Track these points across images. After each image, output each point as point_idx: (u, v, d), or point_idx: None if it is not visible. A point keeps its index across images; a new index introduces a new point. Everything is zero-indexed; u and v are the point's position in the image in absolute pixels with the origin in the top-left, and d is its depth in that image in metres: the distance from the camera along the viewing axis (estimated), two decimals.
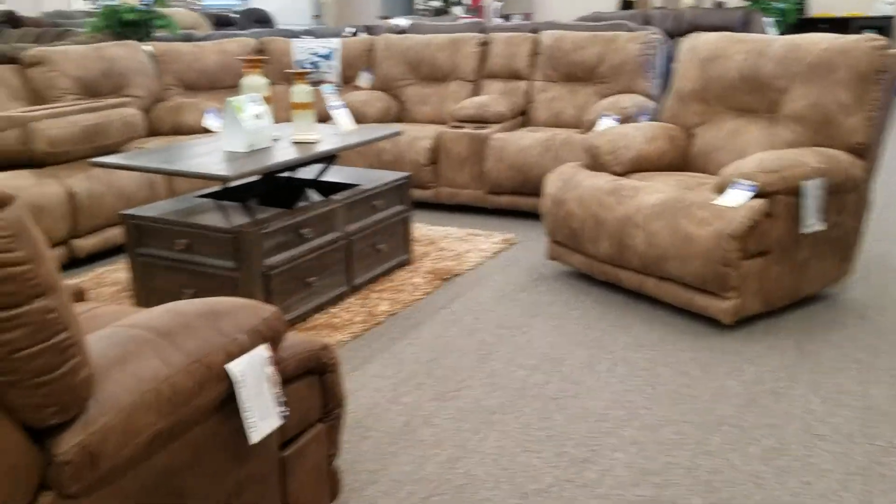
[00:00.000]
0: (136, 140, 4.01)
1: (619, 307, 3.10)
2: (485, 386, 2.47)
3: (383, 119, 4.88)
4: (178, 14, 10.23)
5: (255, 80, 3.08)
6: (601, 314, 3.03)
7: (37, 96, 4.01)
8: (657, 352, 2.70)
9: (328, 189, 3.38)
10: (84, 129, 3.47)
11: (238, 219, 2.69)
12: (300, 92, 3.11)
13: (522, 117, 4.84)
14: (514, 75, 4.86)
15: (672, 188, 2.98)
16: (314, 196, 3.24)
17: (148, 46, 4.72)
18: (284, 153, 2.84)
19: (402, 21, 6.22)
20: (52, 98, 4.01)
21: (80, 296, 1.95)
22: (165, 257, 2.73)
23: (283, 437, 1.59)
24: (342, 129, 3.35)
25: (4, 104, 3.85)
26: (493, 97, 4.62)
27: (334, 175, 3.47)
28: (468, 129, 4.43)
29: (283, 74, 5.31)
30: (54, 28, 6.08)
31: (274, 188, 3.38)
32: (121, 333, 1.31)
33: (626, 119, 4.16)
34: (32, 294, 1.03)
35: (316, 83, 5.30)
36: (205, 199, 2.98)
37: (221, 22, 10.79)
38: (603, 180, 3.17)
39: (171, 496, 1.31)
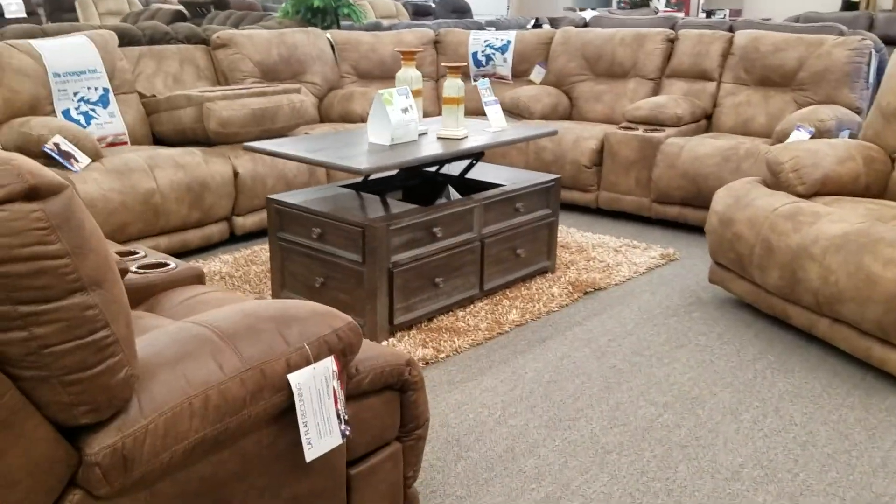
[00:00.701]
0: (304, 126, 4.14)
1: (781, 347, 2.72)
2: (605, 419, 2.25)
3: (550, 116, 4.69)
4: (379, 3, 10.61)
5: (408, 73, 3.04)
6: (759, 353, 2.68)
7: (221, 77, 4.27)
8: (818, 406, 2.32)
9: (471, 187, 3.27)
10: (253, 112, 3.62)
11: (371, 212, 2.66)
12: (451, 86, 3.02)
13: (706, 122, 4.44)
14: (701, 76, 4.47)
15: (860, 218, 2.56)
16: (454, 194, 3.15)
17: (329, 34, 4.87)
18: (427, 149, 2.77)
19: (587, 14, 5.96)
20: (235, 80, 4.24)
21: (198, 279, 2.00)
22: (301, 244, 2.76)
23: (353, 455, 1.51)
24: (493, 126, 3.22)
25: (191, 83, 4.13)
26: (673, 98, 4.27)
27: (481, 173, 3.36)
28: (640, 132, 4.13)
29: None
30: (257, 12, 6.49)
31: (419, 183, 3.33)
32: (185, 331, 1.28)
33: (822, 133, 3.66)
34: (69, 289, 1.01)
35: (487, 76, 5.21)
36: (347, 190, 2.99)
37: (420, 12, 11.05)
38: (781, 201, 2.79)
39: None
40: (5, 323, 0.97)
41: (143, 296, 1.88)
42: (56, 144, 3.04)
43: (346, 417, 1.39)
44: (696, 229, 4.14)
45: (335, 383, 1.36)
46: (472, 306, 2.98)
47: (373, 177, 3.18)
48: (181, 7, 7.19)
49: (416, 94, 3.06)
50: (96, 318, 1.04)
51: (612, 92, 4.73)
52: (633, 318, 2.97)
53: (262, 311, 1.36)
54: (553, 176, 3.28)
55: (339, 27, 5.56)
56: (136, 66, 3.94)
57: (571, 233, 3.98)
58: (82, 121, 3.50)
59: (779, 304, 2.79)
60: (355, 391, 1.48)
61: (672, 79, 4.60)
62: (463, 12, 11.03)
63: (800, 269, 2.61)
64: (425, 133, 3.12)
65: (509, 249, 3.11)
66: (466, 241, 2.89)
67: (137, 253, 2.08)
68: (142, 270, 1.92)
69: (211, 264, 3.35)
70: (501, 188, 3.08)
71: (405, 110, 2.89)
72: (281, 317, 1.35)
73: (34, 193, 0.98)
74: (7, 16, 9.40)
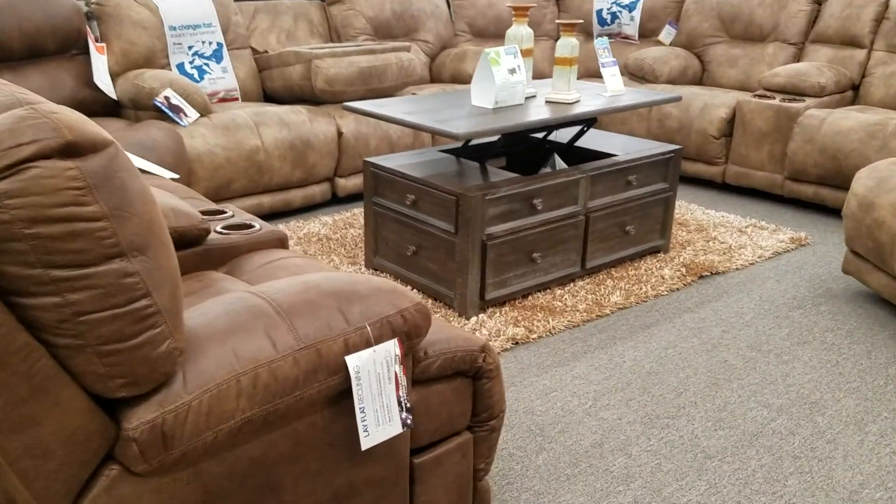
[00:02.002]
0: (412, 86, 4.04)
1: None
2: (708, 420, 2.04)
3: (678, 80, 4.36)
4: None
5: (519, 31, 2.85)
6: (894, 356, 2.36)
7: (334, 34, 4.22)
8: None
9: (580, 156, 3.06)
10: (360, 70, 3.55)
11: (467, 180, 2.52)
12: (564, 45, 2.81)
13: (852, 93, 3.98)
14: (851, 42, 4.00)
15: None
16: (560, 163, 2.95)
17: None
18: (532, 113, 2.59)
19: None
20: (347, 36, 4.18)
21: (281, 243, 1.94)
22: (395, 210, 2.67)
23: (417, 443, 1.40)
24: (608, 90, 2.99)
25: (304, 39, 4.10)
26: (816, 65, 3.84)
27: (593, 141, 3.14)
28: (776, 101, 3.75)
29: (578, 26, 4.99)
30: None
31: (524, 149, 3.16)
32: (241, 302, 1.20)
33: None
34: (106, 255, 0.94)
35: (612, 35, 4.91)
36: (447, 155, 2.86)
37: None
38: None
39: (264, 489, 1.19)
40: (37, 287, 0.91)
41: (224, 257, 1.85)
42: (166, 98, 3.08)
43: (408, 405, 1.28)
44: (833, 212, 3.74)
45: (397, 368, 1.26)
46: (571, 285, 2.80)
47: (475, 141, 3.03)
48: None
49: (526, 53, 2.87)
50: (136, 287, 0.97)
51: (747, 56, 4.33)
52: (753, 307, 2.70)
53: (326, 285, 1.26)
54: (673, 147, 3.01)
55: None
56: (251, 21, 3.95)
57: (692, 209, 3.69)
58: (195, 75, 3.54)
59: None
60: (422, 376, 1.37)
61: (816, 44, 4.15)
62: None
63: None
64: (533, 96, 2.94)
65: (617, 226, 2.89)
66: (569, 214, 2.70)
67: (226, 213, 2.04)
68: (226, 231, 1.88)
69: (310, 225, 3.33)
70: (613, 158, 2.86)
71: (512, 71, 2.71)
72: (343, 293, 1.25)
73: (72, 150, 0.91)
74: None
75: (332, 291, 1.25)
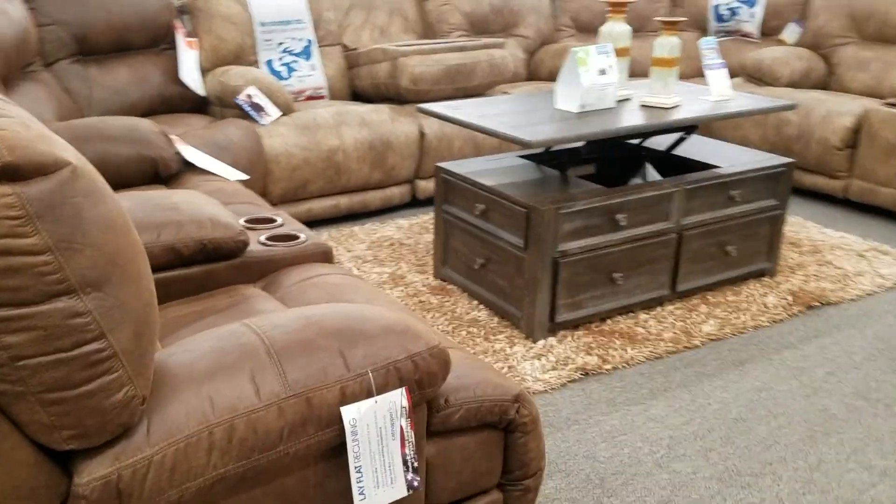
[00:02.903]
0: (505, 84, 3.85)
1: None
2: (798, 480, 1.76)
3: (799, 83, 3.94)
4: None
5: (614, 27, 2.61)
6: None
7: (429, 30, 4.09)
8: None
9: (677, 166, 2.78)
10: (447, 68, 3.39)
11: (541, 191, 2.32)
12: (663, 45, 2.55)
13: None
14: None
15: None
16: (653, 173, 2.69)
17: None
18: (622, 119, 2.36)
19: None
20: (442, 32, 4.04)
21: (325, 257, 1.82)
22: (464, 219, 2.50)
23: (434, 503, 1.24)
24: (713, 95, 2.69)
25: (397, 35, 3.99)
26: None
27: (695, 149, 2.85)
28: None
29: (693, 22, 4.63)
30: None
31: (614, 157, 2.91)
32: (232, 338, 1.08)
33: None
34: (49, 292, 0.83)
35: (731, 33, 4.52)
36: (526, 161, 2.66)
37: None
38: None
39: None
40: None
41: (264, 269, 1.75)
42: (249, 96, 3.05)
43: (415, 465, 1.11)
44: None
45: (403, 422, 1.09)
46: (658, 309, 2.54)
47: (559, 146, 2.81)
48: None
49: (621, 52, 2.63)
50: (86, 328, 0.86)
51: (880, 60, 3.85)
52: (865, 347, 2.35)
53: (329, 321, 1.12)
54: (785, 160, 2.68)
55: None
56: (345, 17, 3.88)
57: (807, 227, 3.31)
58: (284, 72, 3.50)
59: None
60: (442, 427, 1.21)
61: None
62: None
63: None
64: (628, 99, 2.69)
65: (716, 245, 2.60)
66: (659, 231, 2.45)
67: (275, 221, 1.95)
68: (269, 242, 1.78)
69: (385, 229, 3.22)
70: (714, 171, 2.57)
71: (602, 72, 2.48)
72: (348, 332, 1.10)
73: (10, 173, 0.80)
74: None
75: (334, 330, 1.10)
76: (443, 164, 2.57)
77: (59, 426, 0.88)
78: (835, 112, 3.53)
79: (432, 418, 1.20)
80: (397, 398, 1.09)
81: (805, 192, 3.85)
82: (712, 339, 2.40)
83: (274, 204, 3.10)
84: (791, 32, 4.27)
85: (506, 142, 3.47)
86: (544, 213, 2.17)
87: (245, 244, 1.70)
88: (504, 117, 2.38)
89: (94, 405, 0.89)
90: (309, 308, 1.17)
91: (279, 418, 1.01)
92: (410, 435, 1.11)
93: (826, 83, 4.08)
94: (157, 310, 1.00)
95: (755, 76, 4.04)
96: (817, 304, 2.62)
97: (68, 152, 0.88)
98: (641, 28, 4.62)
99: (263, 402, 1.01)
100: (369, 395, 1.07)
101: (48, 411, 0.87)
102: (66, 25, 2.94)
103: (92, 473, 0.91)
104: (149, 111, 3.15)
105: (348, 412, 1.05)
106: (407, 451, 1.10)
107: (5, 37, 2.46)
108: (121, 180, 2.24)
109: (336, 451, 1.10)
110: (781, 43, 4.30)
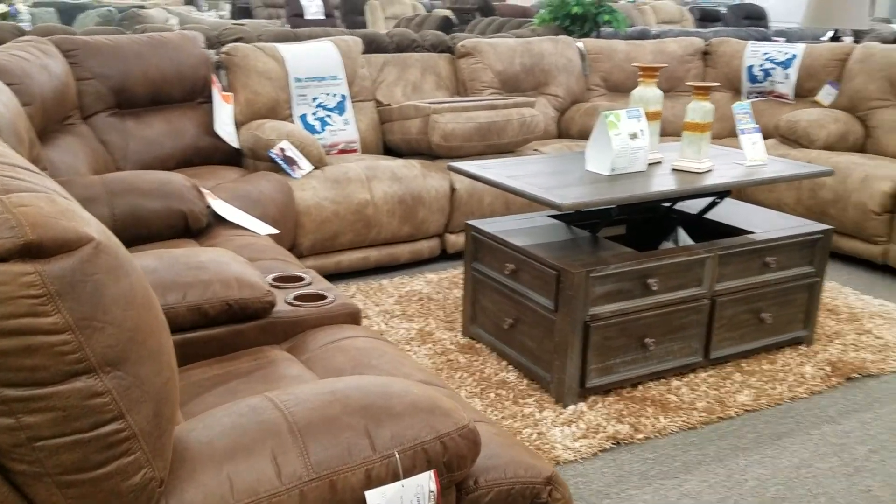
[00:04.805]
0: (536, 142, 3.85)
1: None
2: None
3: (836, 146, 3.89)
4: (662, 7, 9.97)
5: (646, 92, 2.60)
6: None
7: (461, 87, 4.13)
8: None
9: (710, 230, 2.73)
10: (479, 126, 3.41)
11: (572, 253, 2.29)
12: (696, 110, 2.53)
13: None
14: None
15: None
16: (685, 238, 2.64)
17: (580, 43, 4.52)
18: (652, 183, 2.33)
19: None
20: (474, 90, 4.07)
21: (353, 318, 1.80)
22: (494, 278, 2.47)
23: None
24: (746, 160, 2.65)
25: (430, 92, 4.03)
26: None
27: (728, 213, 2.80)
28: None
29: (727, 83, 4.63)
30: (519, 18, 6.33)
31: (646, 220, 2.87)
32: (253, 414, 1.05)
33: None
34: (69, 372, 0.81)
35: (764, 94, 4.50)
36: (556, 221, 2.63)
37: (707, 17, 10.23)
38: None
39: None
40: None
41: (291, 330, 1.72)
42: (282, 150, 3.08)
43: None
44: None
45: None
46: (691, 376, 2.47)
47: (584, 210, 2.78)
48: (449, 13, 7.28)
49: (652, 116, 2.61)
50: (105, 408, 0.84)
51: None
52: None
53: (356, 396, 1.08)
54: (823, 227, 2.62)
55: (598, 35, 5.18)
56: (379, 74, 3.93)
57: (845, 293, 3.22)
58: (318, 126, 3.54)
59: None
60: None
61: None
62: (758, 18, 9.98)
63: None
64: (659, 162, 2.66)
65: (750, 312, 2.53)
66: (692, 297, 2.39)
67: (303, 279, 1.93)
68: (296, 303, 1.76)
69: (414, 283, 3.20)
70: (748, 236, 2.52)
71: (633, 136, 2.46)
72: (374, 408, 1.07)
73: (33, 251, 0.79)
74: (307, 16, 10.30)
75: (360, 406, 1.07)
76: (473, 222, 2.55)
77: None
78: (873, 176, 3.47)
79: (461, 502, 1.15)
80: (425, 482, 1.04)
81: (842, 257, 3.77)
82: (747, 410, 2.31)
83: (303, 256, 3.10)
84: (826, 94, 4.23)
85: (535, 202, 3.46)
86: (575, 276, 2.13)
87: (272, 304, 1.68)
88: (535, 178, 2.36)
89: (111, 488, 0.86)
90: (334, 381, 1.14)
91: (301, 502, 0.97)
92: None
93: (863, 146, 4.02)
94: (177, 385, 0.98)
95: (790, 138, 4.00)
96: (857, 375, 2.53)
97: (91, 226, 0.87)
98: (672, 88, 4.62)
99: (285, 484, 0.97)
100: (395, 478, 1.03)
101: (65, 493, 0.84)
102: (105, 79, 3.00)
103: None
104: (183, 163, 3.20)
105: (373, 497, 1.01)
106: None
107: (45, 92, 2.52)
108: (151, 234, 2.26)
109: None
110: (816, 104, 4.27)
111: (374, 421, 1.06)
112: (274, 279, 1.93)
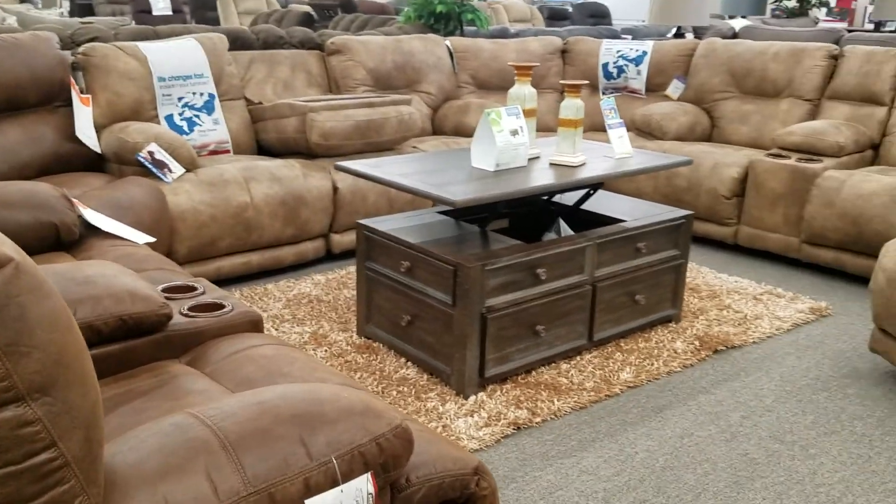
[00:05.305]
0: (413, 139, 3.89)
1: None
2: None
3: (686, 136, 4.20)
4: (513, 7, 10.29)
5: (522, 90, 2.69)
6: None
7: (333, 84, 4.09)
8: None
9: (586, 221, 2.88)
10: (357, 124, 3.39)
11: (466, 248, 2.34)
12: (569, 107, 2.65)
13: (871, 153, 3.81)
14: (870, 99, 3.84)
15: None
16: (566, 229, 2.77)
17: (447, 41, 4.60)
18: (535, 177, 2.42)
19: (737, 23, 5.37)
20: (347, 88, 4.05)
21: (254, 326, 1.75)
22: (389, 276, 2.48)
23: None
24: (616, 153, 2.82)
25: (302, 90, 3.97)
26: (834, 123, 3.68)
27: (600, 203, 2.96)
28: (792, 161, 3.58)
29: (583, 79, 4.86)
30: (382, 16, 6.34)
31: (527, 212, 2.98)
32: (181, 432, 1.00)
33: None
34: None
35: (619, 89, 4.77)
36: (445, 217, 2.68)
37: (555, 16, 10.65)
38: None
39: None
40: None
41: (189, 343, 1.65)
42: (150, 153, 2.92)
43: None
44: (855, 279, 3.53)
45: None
46: (578, 358, 2.59)
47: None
48: (309, 9, 7.17)
49: (529, 113, 2.71)
50: (36, 437, 0.78)
51: (760, 113, 4.18)
52: (774, 389, 2.49)
53: (286, 406, 1.06)
54: (684, 212, 2.83)
55: (461, 33, 5.28)
56: (246, 71, 3.82)
57: (703, 273, 3.49)
58: (185, 127, 3.39)
59: None
60: None
61: (833, 101, 4.00)
62: (602, 17, 10.53)
63: None
64: (537, 157, 2.77)
65: (626, 295, 2.70)
66: (575, 284, 2.51)
67: (196, 289, 1.86)
68: (192, 313, 1.69)
69: (301, 285, 3.14)
70: (621, 224, 2.68)
71: (514, 132, 2.55)
72: (307, 417, 1.05)
73: None
74: (155, 12, 9.76)
75: (292, 415, 1.05)
76: (365, 221, 2.55)
77: None
78: (721, 163, 3.78)
79: (394, 500, 1.16)
80: (363, 485, 1.04)
81: (698, 239, 4.08)
82: (630, 387, 2.47)
83: (181, 264, 2.96)
84: (675, 88, 4.55)
85: (419, 197, 3.49)
86: (471, 269, 2.19)
87: (168, 317, 1.61)
88: (424, 175, 2.39)
89: None
90: (258, 392, 1.11)
91: None
92: None
93: (710, 135, 4.36)
94: (102, 408, 0.92)
95: (645, 130, 4.27)
96: (722, 347, 2.76)
97: (7, 245, 0.81)
98: (536, 85, 4.80)
99: (223, 501, 0.94)
100: (334, 484, 1.02)
101: None
102: None
103: None
104: (42, 171, 2.96)
105: None
106: None
107: None
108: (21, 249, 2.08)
109: None
110: (667, 98, 4.58)
111: (309, 429, 1.05)
112: (164, 290, 1.84)
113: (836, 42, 4.36)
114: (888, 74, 3.80)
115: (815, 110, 4.05)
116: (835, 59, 4.04)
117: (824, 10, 9.29)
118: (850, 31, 4.75)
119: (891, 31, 6.65)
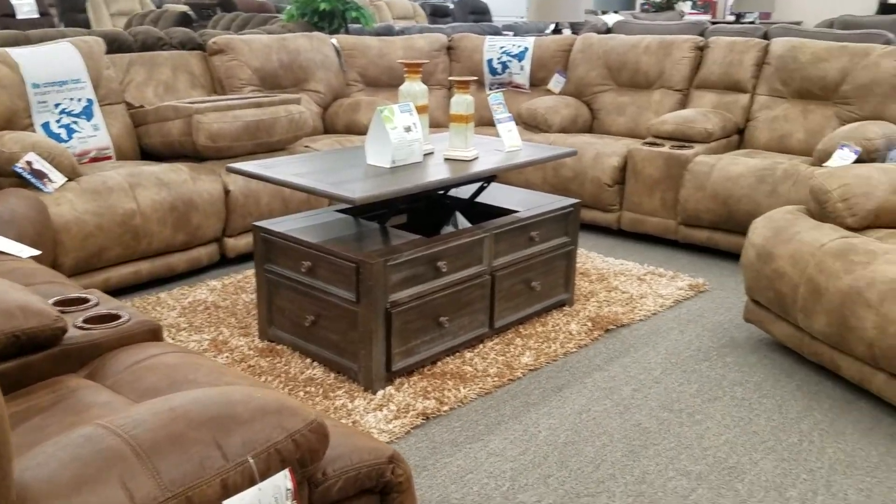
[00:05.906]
0: (305, 138, 3.87)
1: (829, 403, 2.40)
2: (630, 494, 1.94)
3: (569, 128, 4.38)
4: (396, 3, 10.32)
5: (412, 87, 2.74)
6: (804, 409, 2.36)
7: (218, 85, 4.00)
8: (876, 480, 2.00)
9: (481, 213, 2.97)
10: (246, 124, 3.34)
11: (367, 244, 2.37)
12: (459, 102, 2.72)
13: (737, 137, 4.11)
14: (734, 87, 4.14)
15: None
16: (463, 221, 2.85)
17: (334, 39, 4.59)
18: (431, 172, 2.48)
19: (610, 18, 5.64)
20: (232, 88, 3.97)
21: (154, 335, 1.71)
22: (290, 278, 2.48)
23: None
24: (506, 146, 2.92)
25: (185, 91, 3.86)
26: (702, 112, 3.94)
27: (493, 196, 3.06)
28: (666, 149, 3.81)
29: (469, 75, 4.97)
30: (263, 14, 6.23)
31: (424, 207, 3.04)
32: (91, 443, 0.99)
33: (869, 152, 3.33)
34: None
35: (504, 84, 4.91)
36: (344, 216, 2.70)
37: (437, 13, 10.77)
38: (829, 236, 2.47)
39: None
40: None
41: (86, 356, 1.60)
42: (28, 163, 2.78)
43: None
44: (727, 255, 3.81)
45: None
46: (480, 346, 2.68)
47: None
48: (187, 8, 6.95)
49: (421, 109, 2.77)
50: None
51: (635, 104, 4.41)
52: (660, 362, 2.66)
53: (197, 410, 1.07)
54: (572, 201, 2.97)
55: (346, 31, 5.28)
56: (125, 75, 3.68)
57: (591, 257, 3.67)
58: (63, 134, 3.23)
59: (826, 353, 2.47)
60: (322, 501, 1.19)
61: (701, 90, 4.28)
62: (482, 13, 10.74)
63: (852, 315, 2.29)
64: (431, 153, 2.83)
65: (523, 283, 2.81)
66: (475, 274, 2.59)
67: (89, 300, 1.80)
68: (87, 326, 1.64)
69: (197, 292, 3.07)
70: (515, 215, 2.78)
71: (408, 129, 2.59)
72: (219, 419, 1.06)
73: None
74: (19, 16, 9.17)
75: (205, 419, 1.06)
76: (261, 223, 2.53)
77: None
78: (602, 153, 3.97)
79: (312, 494, 1.18)
80: (281, 481, 1.06)
81: (585, 226, 4.27)
82: (531, 370, 2.57)
83: (68, 276, 2.83)
84: (556, 82, 4.74)
85: (314, 196, 3.48)
86: (374, 266, 2.22)
87: (63, 331, 1.56)
88: (320, 174, 2.40)
89: None
90: (169, 399, 1.11)
91: None
92: None
93: (591, 127, 4.57)
94: (8, 423, 0.90)
95: (531, 123, 4.43)
96: (613, 326, 2.91)
97: None
98: (425, 82, 4.87)
99: None
100: (252, 483, 1.04)
101: None
102: None
103: None
104: None
105: None
106: None
107: None
108: None
109: None
110: (549, 92, 4.76)
111: (223, 431, 1.05)
112: (55, 304, 1.77)
113: (702, 34, 4.66)
114: (749, 63, 4.10)
115: (685, 99, 4.33)
116: (701, 50, 4.33)
117: (689, 3, 9.88)
118: (713, 24, 5.09)
119: (750, 23, 7.16)
